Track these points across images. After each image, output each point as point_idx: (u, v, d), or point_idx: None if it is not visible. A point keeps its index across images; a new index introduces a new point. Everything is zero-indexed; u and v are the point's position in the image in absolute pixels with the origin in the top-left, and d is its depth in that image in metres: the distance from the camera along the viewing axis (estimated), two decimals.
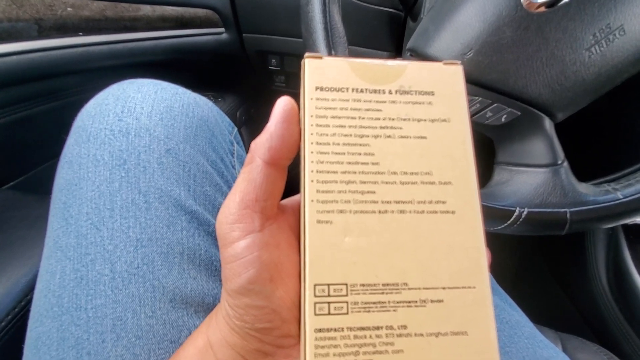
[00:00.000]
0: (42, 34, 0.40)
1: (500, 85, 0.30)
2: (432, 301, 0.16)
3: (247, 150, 0.36)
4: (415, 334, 0.15)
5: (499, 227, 0.32)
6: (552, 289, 0.62)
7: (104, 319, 0.22)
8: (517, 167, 0.33)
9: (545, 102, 0.30)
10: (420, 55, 0.33)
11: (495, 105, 0.31)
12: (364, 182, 0.17)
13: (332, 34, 0.33)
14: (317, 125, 0.17)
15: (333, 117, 0.17)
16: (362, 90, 0.18)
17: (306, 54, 0.18)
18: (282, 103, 0.18)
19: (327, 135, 0.17)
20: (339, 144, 0.17)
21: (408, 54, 0.35)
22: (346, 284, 0.16)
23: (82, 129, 0.26)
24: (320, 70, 0.18)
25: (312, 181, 0.16)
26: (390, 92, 0.18)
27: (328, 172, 0.16)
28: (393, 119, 0.18)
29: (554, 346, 0.31)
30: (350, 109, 0.17)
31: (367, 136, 0.17)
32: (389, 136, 0.17)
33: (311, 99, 0.17)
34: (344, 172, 0.17)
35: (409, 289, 0.16)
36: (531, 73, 0.29)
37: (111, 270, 0.23)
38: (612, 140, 0.48)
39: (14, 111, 0.41)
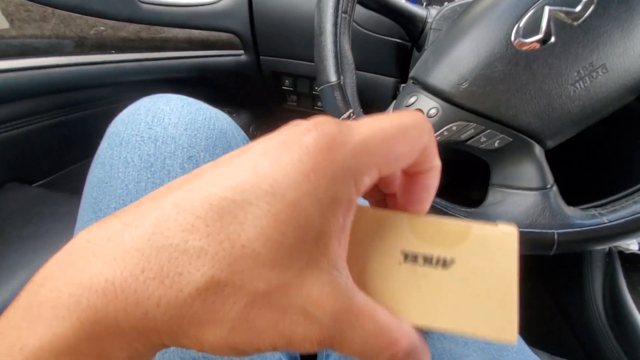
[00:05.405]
0: (83, 51, 0.45)
1: (492, 113, 0.33)
2: None
3: None
4: None
5: None
6: (550, 313, 0.63)
7: None
8: (509, 189, 0.36)
9: (535, 130, 0.33)
10: (420, 84, 0.36)
11: (488, 131, 0.34)
12: None
13: (341, 61, 0.37)
14: None
15: None
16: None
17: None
18: None
19: None
20: None
21: (411, 81, 0.38)
22: None
23: (115, 134, 0.30)
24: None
25: None
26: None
27: None
28: None
29: None
30: None
31: None
32: None
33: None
34: None
35: None
36: (521, 104, 0.32)
37: None
38: (602, 167, 0.51)
39: (52, 116, 0.46)
